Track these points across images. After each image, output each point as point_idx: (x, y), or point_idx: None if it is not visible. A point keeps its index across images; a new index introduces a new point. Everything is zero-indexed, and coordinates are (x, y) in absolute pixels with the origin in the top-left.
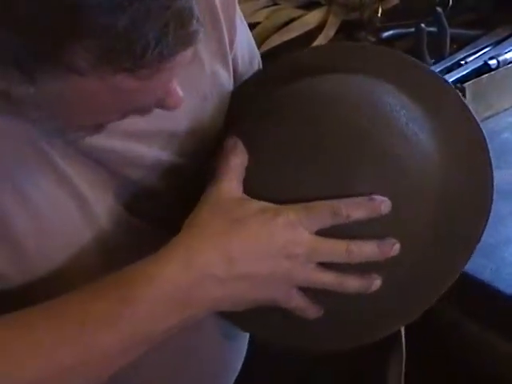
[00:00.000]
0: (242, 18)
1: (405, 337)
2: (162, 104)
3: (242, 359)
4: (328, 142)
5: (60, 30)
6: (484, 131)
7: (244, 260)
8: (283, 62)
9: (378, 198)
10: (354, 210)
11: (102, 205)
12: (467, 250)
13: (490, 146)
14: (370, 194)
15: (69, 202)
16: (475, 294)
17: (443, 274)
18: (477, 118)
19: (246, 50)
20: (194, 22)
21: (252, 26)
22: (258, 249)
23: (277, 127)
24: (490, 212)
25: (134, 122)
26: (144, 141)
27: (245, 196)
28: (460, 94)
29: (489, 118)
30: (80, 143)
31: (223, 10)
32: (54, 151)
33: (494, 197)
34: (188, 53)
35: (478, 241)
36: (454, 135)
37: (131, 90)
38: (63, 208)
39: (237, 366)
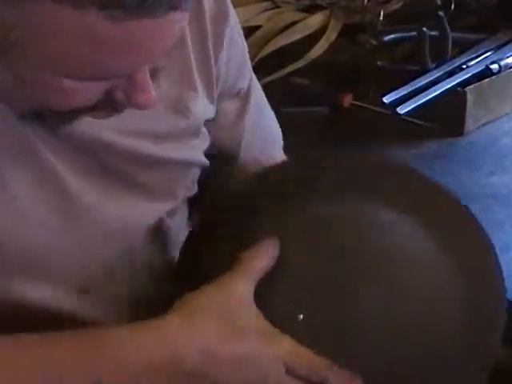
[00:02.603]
0: (240, 36)
1: None
2: (132, 99)
3: None
4: (351, 271)
5: None
6: (484, 136)
7: (221, 370)
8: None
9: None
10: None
11: (87, 199)
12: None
13: (489, 150)
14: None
15: (50, 194)
16: None
17: None
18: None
19: (233, 67)
20: None
21: (253, 29)
22: (241, 365)
23: (304, 254)
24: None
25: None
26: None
27: (253, 306)
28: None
29: (489, 122)
30: (68, 134)
31: (211, 23)
32: (38, 140)
33: (492, 201)
34: (175, 19)
35: None
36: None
37: (110, 42)
38: (43, 200)
39: None
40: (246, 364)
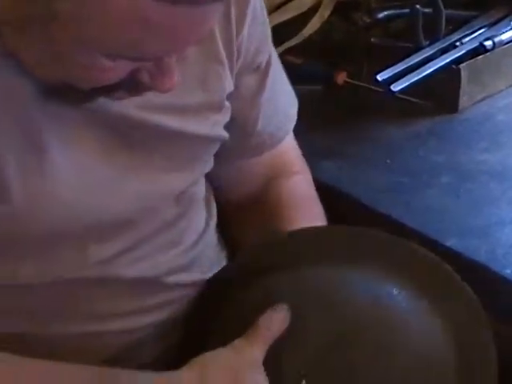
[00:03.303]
0: (262, 10)
1: None
2: (157, 81)
3: None
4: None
5: None
6: (478, 113)
7: None
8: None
9: None
10: None
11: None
12: None
13: (484, 127)
14: None
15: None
16: (470, 276)
17: None
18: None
19: (255, 42)
20: None
21: None
22: None
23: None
24: None
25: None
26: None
27: (263, 372)
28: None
29: (483, 99)
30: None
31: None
32: (47, 119)
33: (487, 178)
34: (216, 8)
35: None
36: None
37: (155, 26)
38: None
39: None
40: None
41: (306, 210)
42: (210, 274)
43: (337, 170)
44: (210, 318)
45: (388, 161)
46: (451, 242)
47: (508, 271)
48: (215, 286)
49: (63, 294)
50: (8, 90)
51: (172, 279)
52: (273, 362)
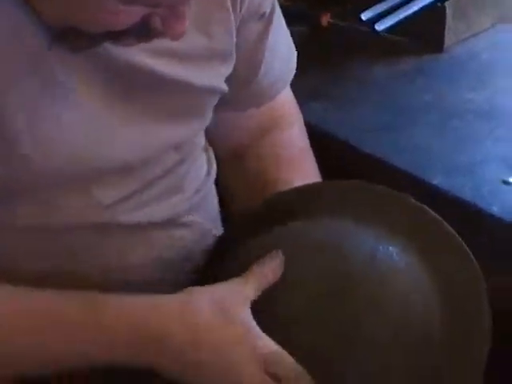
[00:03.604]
0: None
1: None
2: (170, 27)
3: None
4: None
5: None
6: (464, 52)
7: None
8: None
9: None
10: None
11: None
12: None
13: (469, 65)
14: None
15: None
16: (455, 213)
17: None
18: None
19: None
20: None
21: None
22: (223, 349)
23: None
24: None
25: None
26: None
27: (249, 310)
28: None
29: (468, 38)
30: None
31: None
32: (56, 59)
33: (473, 117)
34: None
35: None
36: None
37: None
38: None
39: None
40: (229, 349)
41: (299, 166)
42: (211, 223)
43: (323, 111)
44: (210, 273)
45: (375, 101)
46: (437, 180)
47: (495, 208)
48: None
49: (69, 242)
50: (20, 38)
51: (174, 225)
52: (265, 306)
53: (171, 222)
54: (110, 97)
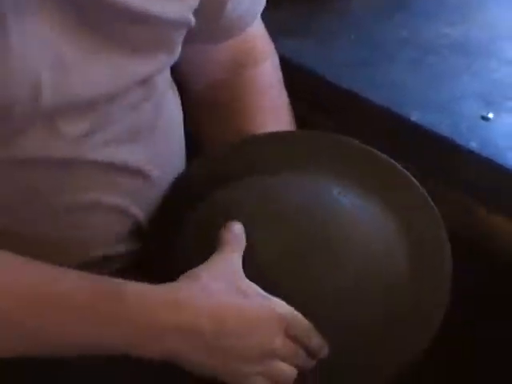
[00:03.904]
0: None
1: None
2: None
3: None
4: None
5: None
6: None
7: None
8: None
9: None
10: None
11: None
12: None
13: (447, 1)
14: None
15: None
16: (433, 149)
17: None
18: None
19: None
20: None
21: None
22: (253, 324)
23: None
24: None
25: None
26: None
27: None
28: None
29: None
30: None
31: None
32: None
33: (450, 51)
34: None
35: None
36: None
37: None
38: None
39: None
40: (254, 324)
41: (270, 102)
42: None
43: (300, 46)
44: (169, 233)
45: (352, 36)
46: (415, 117)
47: (473, 144)
48: (172, 199)
49: (32, 177)
50: None
51: (141, 168)
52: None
53: (130, 169)
54: (74, 28)
